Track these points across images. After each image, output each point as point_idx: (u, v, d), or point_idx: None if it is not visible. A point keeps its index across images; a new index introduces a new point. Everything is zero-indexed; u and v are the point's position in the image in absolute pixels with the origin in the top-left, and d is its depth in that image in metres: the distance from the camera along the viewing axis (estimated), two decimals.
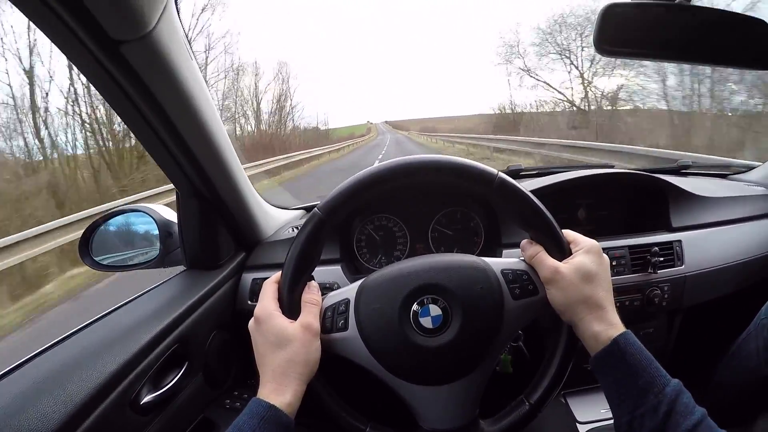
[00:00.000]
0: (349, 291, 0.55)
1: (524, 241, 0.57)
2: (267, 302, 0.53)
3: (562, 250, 0.54)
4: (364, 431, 0.54)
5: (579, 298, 0.50)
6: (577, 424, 0.88)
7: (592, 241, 0.54)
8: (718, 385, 0.87)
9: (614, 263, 0.87)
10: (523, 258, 0.56)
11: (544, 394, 0.54)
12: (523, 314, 0.54)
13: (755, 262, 0.98)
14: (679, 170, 1.19)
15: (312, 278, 0.56)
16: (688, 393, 0.46)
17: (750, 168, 1.26)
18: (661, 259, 0.89)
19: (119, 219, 0.86)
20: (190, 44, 0.64)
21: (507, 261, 0.56)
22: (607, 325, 0.49)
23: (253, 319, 0.53)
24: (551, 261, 0.53)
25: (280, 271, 0.54)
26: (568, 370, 0.55)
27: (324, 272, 0.86)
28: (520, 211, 0.55)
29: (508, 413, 0.55)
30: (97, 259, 0.84)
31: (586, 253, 0.53)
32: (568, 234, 0.56)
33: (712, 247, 0.96)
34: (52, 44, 0.51)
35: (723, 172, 1.29)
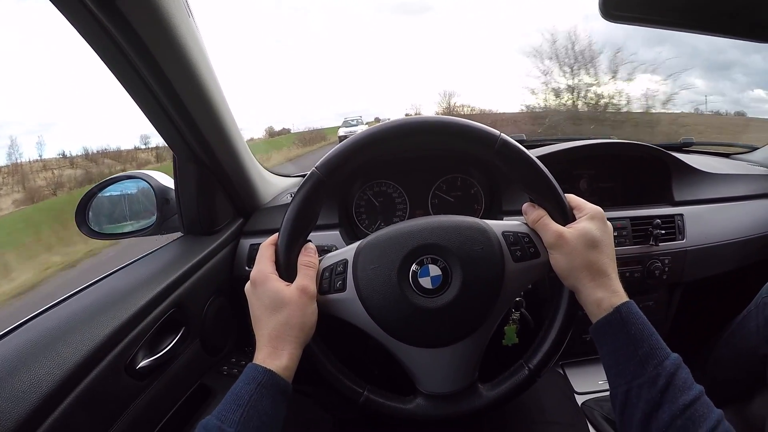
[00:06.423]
0: (347, 252, 0.54)
1: (526, 204, 0.55)
2: (263, 265, 0.52)
3: (565, 216, 0.53)
4: (361, 394, 0.53)
5: (582, 264, 0.49)
6: (575, 395, 0.88)
7: (597, 208, 0.53)
8: (716, 362, 0.87)
9: (615, 234, 0.86)
10: (525, 221, 0.55)
11: (544, 359, 0.54)
12: (524, 277, 0.53)
13: (756, 240, 0.98)
14: (682, 147, 1.18)
15: (309, 241, 0.55)
16: (687, 369, 0.45)
17: (753, 148, 1.24)
18: (663, 231, 0.88)
19: (116, 186, 0.85)
20: (187, 2, 0.63)
21: (508, 223, 0.55)
22: (610, 292, 0.49)
23: (249, 282, 0.52)
24: (555, 226, 0.52)
25: (277, 233, 0.53)
26: (568, 336, 0.54)
27: (322, 237, 0.86)
28: (522, 174, 0.53)
29: (507, 378, 0.54)
30: (93, 227, 0.83)
31: (591, 219, 0.52)
32: (572, 199, 0.55)
33: (714, 223, 0.95)
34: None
35: (726, 151, 1.28)
